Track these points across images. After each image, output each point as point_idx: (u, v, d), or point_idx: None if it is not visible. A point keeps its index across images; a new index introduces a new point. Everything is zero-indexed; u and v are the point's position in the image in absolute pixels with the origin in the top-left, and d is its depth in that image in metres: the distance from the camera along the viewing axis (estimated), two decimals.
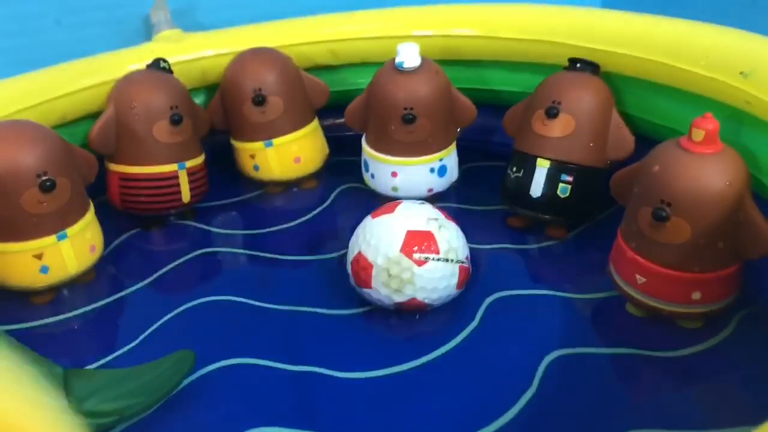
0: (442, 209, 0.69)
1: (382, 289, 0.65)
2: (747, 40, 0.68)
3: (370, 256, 0.65)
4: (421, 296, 0.65)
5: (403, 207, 0.68)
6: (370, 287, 0.65)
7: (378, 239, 0.65)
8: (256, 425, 0.56)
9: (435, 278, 0.64)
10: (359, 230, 0.68)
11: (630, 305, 0.67)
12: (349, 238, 0.69)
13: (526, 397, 0.58)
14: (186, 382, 0.59)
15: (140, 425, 0.56)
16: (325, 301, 0.70)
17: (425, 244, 0.64)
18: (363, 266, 0.65)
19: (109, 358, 0.64)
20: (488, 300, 0.69)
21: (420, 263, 0.63)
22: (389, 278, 0.64)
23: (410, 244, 0.64)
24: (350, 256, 0.68)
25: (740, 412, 0.56)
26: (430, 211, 0.68)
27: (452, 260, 0.65)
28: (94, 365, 0.63)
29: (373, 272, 0.64)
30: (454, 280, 0.65)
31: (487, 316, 0.67)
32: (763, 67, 0.63)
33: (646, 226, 0.62)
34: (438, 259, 0.64)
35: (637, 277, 0.63)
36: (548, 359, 0.62)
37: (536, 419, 0.56)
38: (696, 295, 0.61)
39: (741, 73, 0.64)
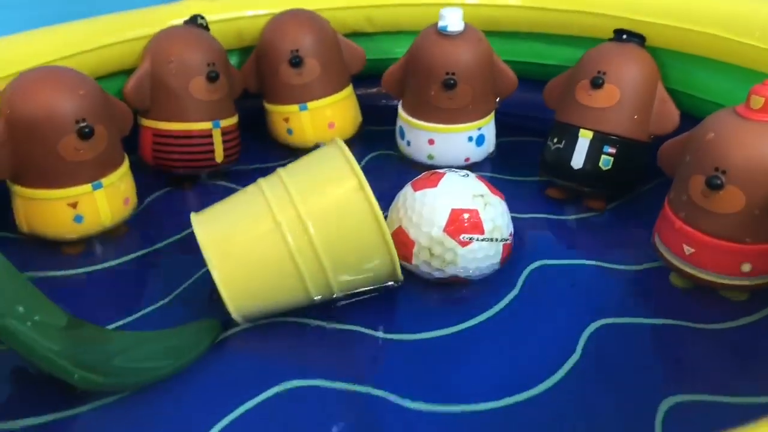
0: (485, 180, 0.67)
1: (423, 266, 0.63)
2: None
3: (411, 233, 0.63)
4: (464, 274, 0.63)
5: (447, 180, 0.64)
6: (410, 262, 0.64)
7: (420, 216, 0.62)
8: (291, 377, 0.55)
9: (478, 258, 0.62)
10: (400, 202, 0.65)
11: (674, 276, 0.66)
12: (382, 206, 0.68)
13: (570, 364, 0.57)
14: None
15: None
16: None
17: (470, 223, 0.62)
18: (404, 242, 0.63)
19: (138, 314, 0.63)
20: (529, 269, 0.68)
21: (464, 244, 0.61)
22: (431, 257, 0.62)
23: (455, 223, 0.62)
24: (390, 228, 0.65)
25: None
26: (475, 185, 0.65)
27: (496, 239, 0.63)
28: (123, 321, 0.62)
29: (415, 249, 0.62)
30: (498, 258, 0.64)
31: (527, 284, 0.66)
32: None
33: (698, 194, 0.60)
34: (482, 239, 0.62)
35: (685, 247, 0.62)
36: (591, 327, 0.60)
37: (579, 385, 0.55)
38: (746, 267, 0.60)
39: None
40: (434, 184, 0.64)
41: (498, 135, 0.87)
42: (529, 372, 0.56)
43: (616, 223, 0.76)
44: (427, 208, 0.62)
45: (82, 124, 0.65)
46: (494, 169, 0.86)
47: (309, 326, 0.61)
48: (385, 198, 0.79)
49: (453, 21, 0.77)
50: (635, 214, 0.77)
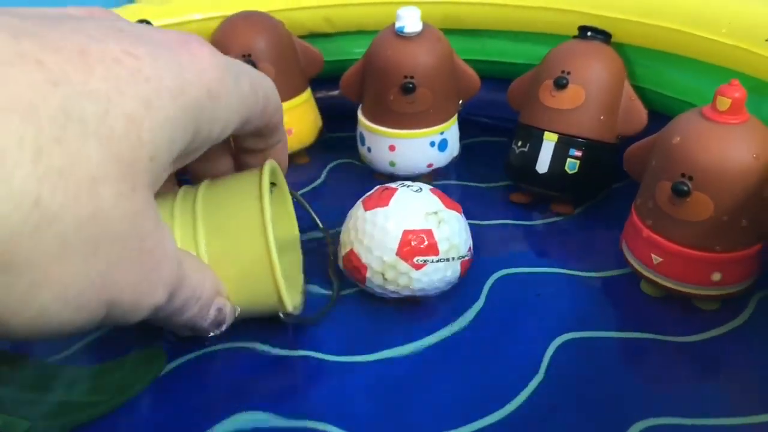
0: (440, 191, 0.64)
1: (378, 289, 0.60)
2: None
3: (363, 257, 0.59)
4: (421, 294, 0.60)
5: (399, 198, 0.61)
6: (364, 285, 0.61)
7: (371, 239, 0.59)
8: (238, 410, 0.52)
9: (434, 280, 0.59)
10: (350, 223, 0.62)
11: (644, 284, 0.63)
12: (343, 216, 0.65)
13: (533, 384, 0.54)
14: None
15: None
16: (317, 281, 0.65)
17: (424, 244, 0.58)
18: (356, 266, 0.60)
19: (80, 344, 0.59)
20: (492, 279, 0.65)
21: (418, 267, 0.58)
22: (385, 281, 0.59)
23: (407, 246, 0.58)
24: (342, 250, 0.63)
25: (760, 400, 0.52)
26: (428, 201, 0.61)
27: (453, 258, 0.60)
28: (60, 355, 0.58)
29: (367, 274, 0.59)
30: (456, 275, 0.61)
31: (490, 296, 0.63)
32: None
33: (664, 201, 0.58)
34: (438, 260, 0.59)
35: (653, 256, 0.59)
36: (557, 342, 0.58)
37: (544, 408, 0.52)
38: (716, 276, 0.57)
39: (767, 40, 0.60)
40: (385, 203, 0.60)
41: (462, 136, 0.84)
42: (493, 394, 0.53)
43: (585, 228, 0.73)
44: (378, 231, 0.59)
45: None
46: (458, 174, 0.83)
47: (256, 352, 0.58)
48: (349, 208, 0.76)
49: (410, 22, 0.74)
50: (604, 216, 0.74)
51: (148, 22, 0.78)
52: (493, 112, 0.89)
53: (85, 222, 0.35)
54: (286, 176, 0.64)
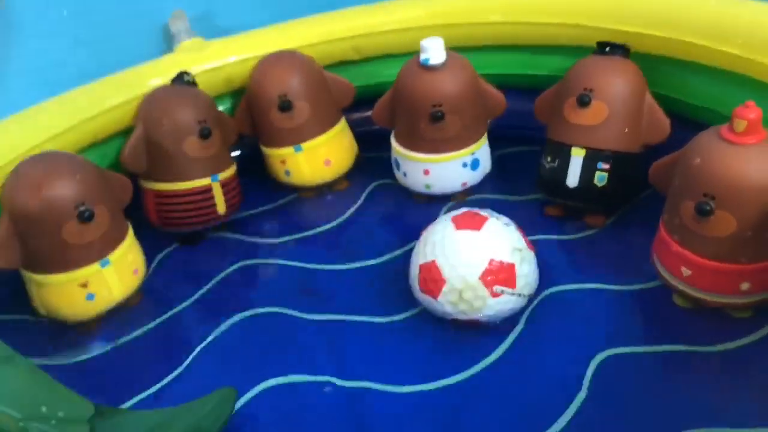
0: (523, 231, 0.67)
1: (448, 306, 0.64)
2: None
3: (445, 271, 0.63)
4: (484, 320, 0.64)
5: (490, 226, 0.65)
6: (436, 299, 0.64)
7: (458, 258, 0.63)
8: None
9: (505, 309, 0.64)
10: (437, 236, 0.65)
11: (677, 296, 0.66)
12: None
13: (577, 403, 0.58)
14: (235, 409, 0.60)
15: None
16: (368, 309, 0.70)
17: (505, 276, 0.62)
18: (434, 278, 0.64)
19: (158, 386, 0.65)
20: (534, 301, 0.68)
21: (495, 295, 0.62)
22: (460, 300, 0.63)
23: (491, 273, 0.62)
24: (420, 258, 0.66)
25: None
26: (515, 237, 0.65)
27: (524, 295, 0.64)
28: (141, 396, 0.64)
29: (444, 288, 0.63)
30: (519, 308, 0.66)
31: (533, 316, 0.67)
32: None
33: (689, 219, 0.61)
34: (513, 294, 0.63)
35: (683, 269, 0.62)
36: (597, 360, 0.61)
37: (589, 425, 0.56)
38: (744, 286, 0.60)
39: None
40: (478, 227, 0.64)
41: (495, 148, 0.87)
42: (539, 414, 0.57)
43: (617, 239, 0.76)
44: (466, 251, 0.63)
45: (82, 209, 0.67)
46: (492, 189, 0.86)
47: (319, 385, 0.63)
48: (391, 231, 0.81)
49: (434, 53, 0.77)
50: (636, 226, 0.77)
51: (187, 74, 0.83)
52: (521, 123, 0.91)
53: None
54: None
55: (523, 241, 0.65)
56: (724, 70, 0.71)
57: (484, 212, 0.67)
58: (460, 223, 0.65)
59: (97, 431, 0.58)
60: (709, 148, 0.60)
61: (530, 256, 0.65)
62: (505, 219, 0.67)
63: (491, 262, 0.62)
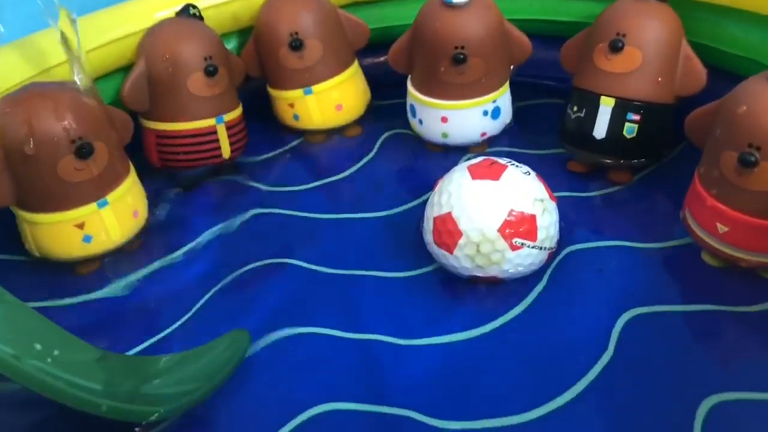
0: (544, 181, 0.63)
1: (464, 261, 0.60)
2: None
3: (462, 223, 0.59)
4: (503, 276, 0.61)
5: (509, 175, 0.60)
6: (451, 253, 0.60)
7: (476, 209, 0.58)
8: (321, 401, 0.54)
9: (525, 264, 0.60)
10: (452, 186, 0.61)
11: (706, 254, 0.63)
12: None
13: (603, 363, 0.54)
14: (247, 355, 0.57)
15: (204, 406, 0.54)
16: (381, 262, 0.66)
17: (526, 228, 0.58)
18: (450, 230, 0.60)
19: (162, 335, 0.62)
20: (556, 256, 0.65)
21: (515, 248, 0.58)
22: (477, 254, 0.59)
23: (511, 225, 0.58)
24: (435, 210, 0.61)
25: None
26: (536, 187, 0.61)
27: (545, 248, 0.60)
28: (147, 343, 0.61)
29: (461, 241, 0.59)
30: (541, 264, 0.62)
31: (554, 274, 0.63)
32: None
33: (730, 171, 0.56)
34: (533, 246, 0.59)
35: (719, 226, 0.59)
36: (623, 319, 0.58)
37: (613, 387, 0.53)
38: None
39: None
40: (496, 177, 0.60)
41: (516, 99, 0.82)
42: (561, 374, 0.54)
43: (643, 197, 0.72)
44: (485, 202, 0.59)
45: (79, 143, 0.63)
46: (512, 142, 0.82)
47: (331, 338, 0.60)
48: (405, 181, 0.77)
49: None
50: (663, 184, 0.73)
51: (194, 7, 0.78)
52: (546, 73, 0.87)
53: None
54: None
55: (545, 191, 0.61)
56: (766, 16, 0.66)
57: (503, 160, 0.62)
58: (477, 173, 0.61)
59: (99, 374, 0.55)
60: (756, 95, 0.55)
61: (552, 206, 0.61)
62: (525, 168, 0.62)
63: (511, 212, 0.58)
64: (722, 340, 0.56)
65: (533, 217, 0.59)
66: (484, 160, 0.63)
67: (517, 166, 0.62)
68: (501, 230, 0.58)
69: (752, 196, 0.56)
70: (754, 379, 0.52)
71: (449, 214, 0.60)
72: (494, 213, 0.58)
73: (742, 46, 0.70)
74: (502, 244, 0.58)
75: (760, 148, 0.54)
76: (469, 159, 0.78)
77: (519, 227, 0.58)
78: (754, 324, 0.57)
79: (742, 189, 0.56)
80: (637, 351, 0.55)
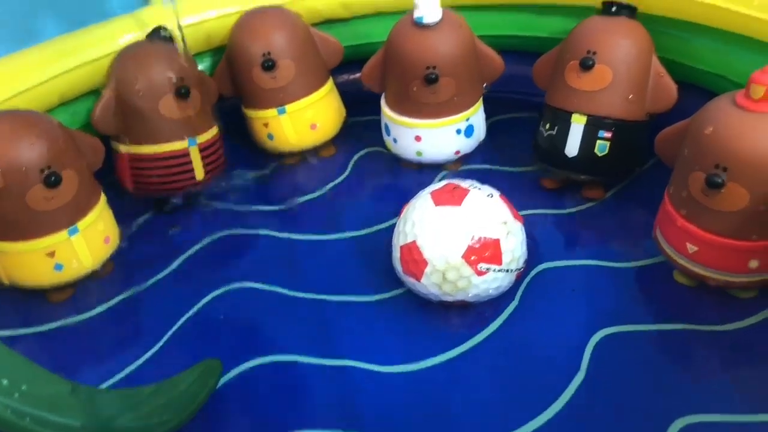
0: (508, 201, 0.63)
1: (432, 288, 0.60)
2: None
3: (426, 252, 0.59)
4: (472, 300, 0.61)
5: (472, 199, 0.60)
6: (419, 281, 0.60)
7: (438, 237, 0.58)
8: (295, 428, 0.54)
9: (492, 287, 0.60)
10: (416, 214, 0.61)
11: (678, 274, 0.63)
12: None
13: (575, 384, 0.55)
14: (220, 383, 0.57)
15: None
16: (354, 285, 0.66)
17: (490, 253, 0.58)
18: (416, 259, 0.60)
19: (135, 365, 0.61)
20: (528, 276, 0.65)
21: (480, 273, 0.58)
22: (443, 281, 0.59)
23: (475, 251, 0.58)
24: (401, 239, 0.61)
25: None
26: (499, 209, 0.60)
27: (512, 270, 0.60)
28: (120, 375, 0.60)
29: (427, 270, 0.59)
30: (509, 285, 0.62)
31: (527, 294, 0.63)
32: None
33: (698, 192, 0.57)
34: (499, 270, 0.59)
35: (689, 245, 0.59)
36: (595, 339, 0.58)
37: (587, 407, 0.53)
38: (753, 264, 0.57)
39: None
40: (458, 202, 0.60)
41: (488, 115, 0.83)
42: (534, 397, 0.54)
43: (616, 213, 0.73)
44: (447, 230, 0.58)
45: (47, 173, 0.62)
46: (486, 159, 0.82)
47: (305, 365, 0.59)
48: (379, 200, 0.77)
49: (429, 11, 0.72)
50: (636, 200, 0.73)
51: (164, 29, 0.78)
52: (518, 87, 0.87)
53: None
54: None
55: (509, 213, 0.61)
56: (736, 33, 0.66)
57: (465, 184, 0.62)
58: (439, 199, 0.61)
59: (70, 408, 0.54)
60: (722, 115, 0.56)
61: (516, 227, 0.61)
62: (488, 190, 0.62)
63: (474, 238, 0.58)
64: (693, 360, 0.57)
65: (497, 242, 0.59)
66: (447, 184, 0.63)
67: (479, 188, 0.62)
68: (465, 257, 0.58)
69: (720, 217, 0.56)
70: (724, 399, 0.52)
71: (414, 242, 0.60)
72: (457, 240, 0.58)
73: (712, 63, 0.70)
74: (467, 270, 0.58)
75: (726, 169, 0.54)
76: (443, 177, 0.79)
77: (483, 252, 0.58)
78: (724, 342, 0.57)
79: (710, 209, 0.56)
80: (609, 371, 0.56)
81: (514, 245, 0.60)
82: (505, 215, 0.60)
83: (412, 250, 0.60)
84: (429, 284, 0.60)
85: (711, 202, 0.56)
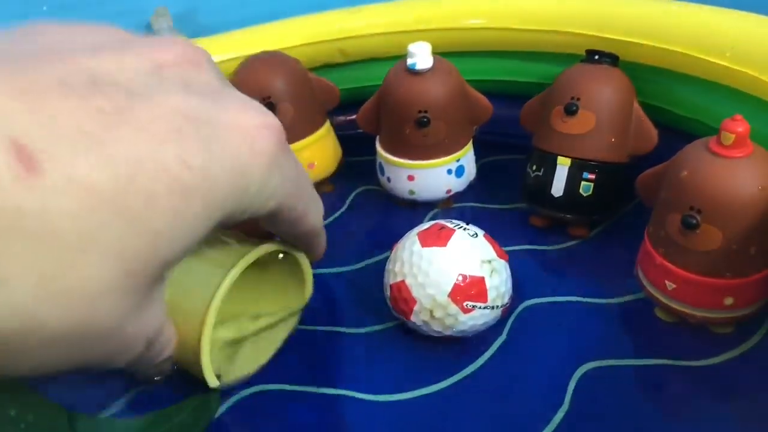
0: (492, 240, 0.65)
1: (422, 325, 0.63)
2: None
3: (414, 291, 0.62)
4: (460, 335, 0.63)
5: (456, 240, 0.63)
6: (408, 319, 0.63)
7: (426, 277, 0.61)
8: None
9: (478, 324, 0.62)
10: (404, 255, 0.64)
11: (659, 310, 0.66)
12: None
13: (559, 416, 0.57)
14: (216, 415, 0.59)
15: None
16: (346, 317, 0.69)
17: (475, 291, 0.61)
18: (405, 298, 0.63)
19: (131, 392, 0.63)
20: (516, 310, 0.68)
21: (467, 311, 0.61)
22: (431, 319, 0.62)
23: (460, 290, 0.61)
24: (390, 278, 0.65)
25: None
26: (483, 248, 0.63)
27: (497, 306, 0.63)
28: (113, 406, 0.62)
29: (416, 308, 0.62)
30: (495, 320, 0.64)
31: (515, 328, 0.66)
32: None
33: (675, 232, 0.60)
34: (485, 307, 0.62)
35: (667, 283, 0.62)
36: (579, 373, 0.60)
37: None
38: (728, 301, 0.60)
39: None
40: (443, 243, 0.63)
41: (478, 156, 0.86)
42: (519, 429, 0.56)
43: (600, 251, 0.75)
44: (434, 270, 0.61)
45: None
46: (476, 197, 0.86)
47: (294, 393, 0.62)
48: (373, 235, 0.80)
49: (421, 59, 0.76)
50: (619, 238, 0.76)
51: None
52: (507, 130, 0.91)
53: (74, 330, 0.33)
54: None
55: (492, 251, 0.64)
56: (712, 81, 0.70)
57: (452, 224, 0.65)
58: (425, 240, 0.64)
59: None
60: (696, 160, 0.59)
61: (500, 265, 0.64)
62: (473, 229, 0.65)
63: (459, 278, 0.61)
64: (672, 394, 0.59)
65: (482, 279, 0.61)
66: (433, 225, 0.66)
67: (464, 228, 0.65)
68: (452, 296, 0.61)
69: (696, 256, 0.59)
70: None
71: (403, 282, 0.63)
72: (444, 280, 0.61)
73: (690, 108, 0.74)
74: (454, 308, 0.61)
75: (701, 211, 0.58)
76: (435, 215, 0.82)
77: (469, 291, 0.61)
78: (703, 377, 0.59)
79: (687, 249, 0.59)
80: (590, 405, 0.58)
81: (498, 282, 0.62)
82: (490, 254, 0.63)
83: (401, 289, 0.63)
84: (418, 321, 0.63)
85: (687, 242, 0.59)
